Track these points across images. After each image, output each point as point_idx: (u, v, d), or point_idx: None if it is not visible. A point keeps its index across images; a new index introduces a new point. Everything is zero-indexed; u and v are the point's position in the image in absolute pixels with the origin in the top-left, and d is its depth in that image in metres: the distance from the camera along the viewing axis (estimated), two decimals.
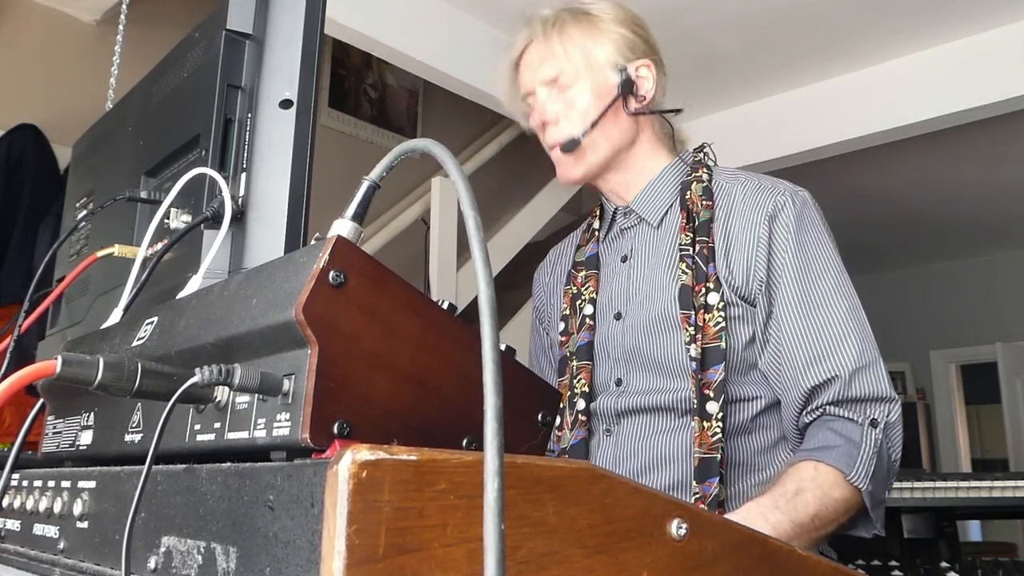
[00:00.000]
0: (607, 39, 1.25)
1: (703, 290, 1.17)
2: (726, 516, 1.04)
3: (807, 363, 1.12)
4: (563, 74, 1.24)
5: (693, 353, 1.14)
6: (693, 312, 1.16)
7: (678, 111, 1.32)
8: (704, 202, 1.22)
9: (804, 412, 1.13)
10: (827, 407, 1.11)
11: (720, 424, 1.11)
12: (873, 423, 1.09)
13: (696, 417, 1.13)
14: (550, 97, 1.26)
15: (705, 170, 1.27)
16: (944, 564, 2.91)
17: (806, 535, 1.01)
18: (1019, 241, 6.51)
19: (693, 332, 1.15)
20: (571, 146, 1.24)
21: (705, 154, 1.32)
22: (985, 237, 6.45)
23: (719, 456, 1.11)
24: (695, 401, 1.13)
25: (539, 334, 1.46)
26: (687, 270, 1.18)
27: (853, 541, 3.22)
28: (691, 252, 1.19)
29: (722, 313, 1.15)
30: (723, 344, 1.14)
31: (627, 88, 1.25)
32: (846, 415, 1.10)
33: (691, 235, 1.20)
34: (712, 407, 1.12)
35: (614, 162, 1.28)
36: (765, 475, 1.17)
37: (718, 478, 1.10)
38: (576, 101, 1.24)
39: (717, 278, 1.17)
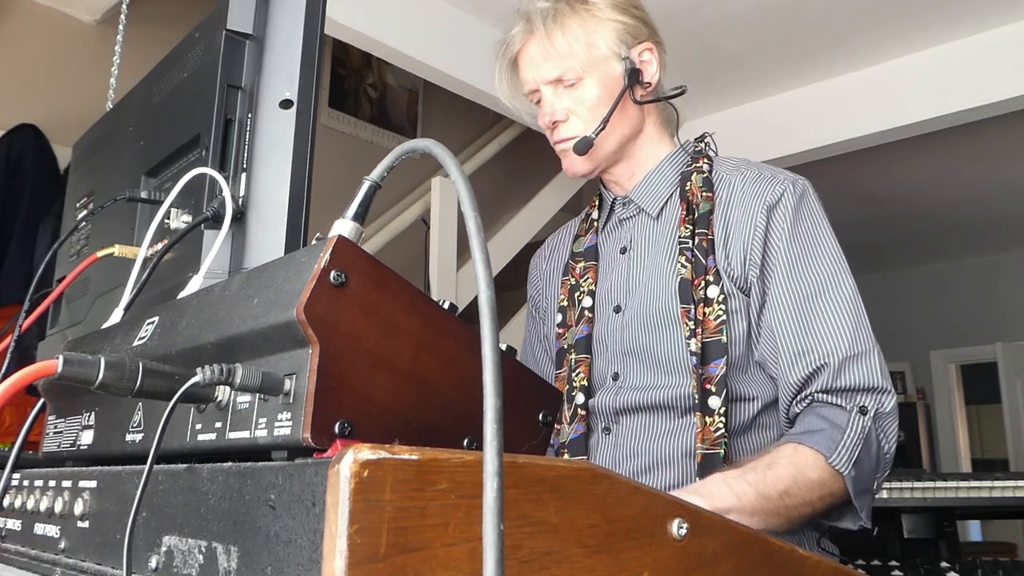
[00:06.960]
0: (608, 28, 1.22)
1: (703, 283, 1.15)
2: (686, 488, 1.02)
3: (797, 354, 1.11)
4: (568, 71, 1.22)
5: (694, 348, 1.12)
6: (693, 306, 1.14)
7: (682, 91, 1.30)
8: (704, 193, 1.21)
9: (794, 402, 1.12)
10: (815, 395, 1.09)
11: (723, 420, 1.10)
12: (862, 410, 1.07)
13: (698, 413, 1.11)
14: (556, 95, 1.24)
15: (706, 160, 1.25)
16: (944, 564, 2.91)
17: (774, 510, 0.99)
18: (1020, 241, 6.51)
19: (693, 326, 1.14)
20: (584, 147, 1.22)
21: (707, 144, 1.30)
22: (986, 237, 6.45)
23: (723, 452, 1.09)
24: (696, 397, 1.12)
25: (535, 323, 1.44)
26: (687, 263, 1.17)
27: (854, 541, 3.23)
28: (690, 245, 1.18)
29: (722, 306, 1.14)
30: (724, 338, 1.13)
31: (633, 78, 1.23)
32: (834, 402, 1.08)
33: (691, 227, 1.19)
34: (714, 402, 1.11)
35: (620, 152, 1.27)
36: None
37: None
38: (584, 98, 1.22)
39: (717, 270, 1.15)
